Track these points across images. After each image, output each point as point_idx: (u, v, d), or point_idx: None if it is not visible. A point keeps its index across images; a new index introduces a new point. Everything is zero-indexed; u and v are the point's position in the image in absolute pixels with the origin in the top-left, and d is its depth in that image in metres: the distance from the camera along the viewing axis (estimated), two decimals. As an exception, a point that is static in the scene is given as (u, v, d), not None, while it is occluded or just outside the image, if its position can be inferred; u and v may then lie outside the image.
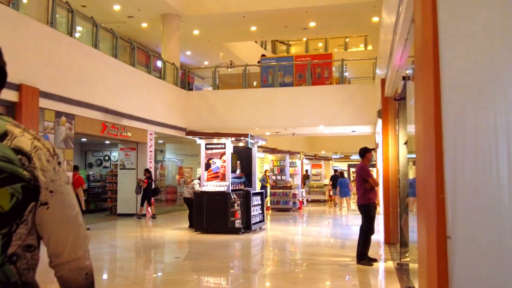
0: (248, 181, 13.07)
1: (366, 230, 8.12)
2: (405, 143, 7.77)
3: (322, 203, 24.69)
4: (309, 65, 19.73)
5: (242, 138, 12.33)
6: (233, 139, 12.41)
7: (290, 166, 19.88)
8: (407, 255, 8.28)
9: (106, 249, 9.99)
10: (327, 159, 29.87)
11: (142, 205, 16.71)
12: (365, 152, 8.41)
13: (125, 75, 16.28)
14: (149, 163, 17.64)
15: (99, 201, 19.64)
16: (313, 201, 24.73)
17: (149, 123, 17.49)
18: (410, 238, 8.29)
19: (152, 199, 16.87)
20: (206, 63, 27.89)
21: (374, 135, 23.52)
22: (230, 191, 11.83)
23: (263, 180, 19.35)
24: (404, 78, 6.08)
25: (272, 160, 19.46)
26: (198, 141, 12.37)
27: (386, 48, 9.47)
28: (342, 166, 51.68)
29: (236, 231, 11.70)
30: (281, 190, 18.95)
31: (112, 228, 14.03)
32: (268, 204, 19.14)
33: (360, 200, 8.24)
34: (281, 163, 19.36)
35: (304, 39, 31.61)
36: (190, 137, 12.20)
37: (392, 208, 9.86)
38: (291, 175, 19.85)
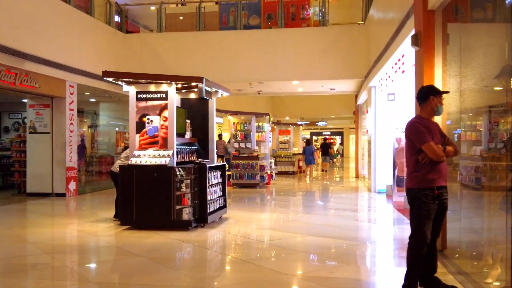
0: (203, 150, 8.95)
1: (412, 236, 4.31)
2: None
3: (291, 175, 20.95)
4: (281, 2, 15.52)
5: (194, 84, 8.09)
6: (180, 85, 8.16)
7: (257, 131, 15.82)
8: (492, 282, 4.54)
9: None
10: (296, 125, 26.06)
11: None
12: (428, 94, 4.46)
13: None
14: (69, 125, 13.13)
15: (8, 175, 14.95)
16: (281, 173, 20.93)
17: (68, 71, 12.92)
18: None
19: None
20: (152, 8, 22.98)
21: (355, 95, 19.78)
22: (174, 165, 7.69)
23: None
24: None
25: (234, 123, 15.34)
26: (125, 87, 8.05)
27: None
28: (305, 134, 48.29)
29: (184, 225, 7.62)
30: (245, 161, 14.90)
31: (4, 217, 9.62)
32: (230, 179, 15.12)
33: (408, 181, 4.39)
34: (246, 127, 15.26)
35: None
36: (110, 79, 7.89)
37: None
38: (258, 142, 15.83)
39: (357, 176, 19.68)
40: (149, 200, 7.62)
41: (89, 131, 17.76)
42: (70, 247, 7.05)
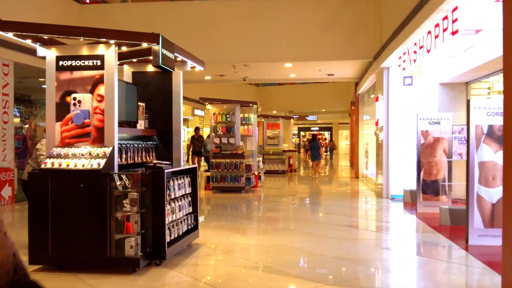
0: (165, 147, 6.19)
1: None
2: None
3: (280, 175, 18.30)
4: (271, -33, 12.82)
5: (146, 44, 5.29)
6: (125, 47, 5.37)
7: (242, 124, 13.08)
8: None
9: None
10: (286, 118, 23.24)
11: None
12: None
13: None
14: (3, 114, 10.28)
15: None
16: (269, 172, 18.24)
17: (1, 45, 10.04)
18: None
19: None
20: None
21: (355, 83, 17.17)
22: (115, 170, 4.94)
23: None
24: None
25: (214, 114, 12.60)
26: (41, 50, 5.27)
27: None
28: (293, 130, 45.48)
29: (127, 265, 4.86)
30: (228, 160, 12.17)
31: None
32: (209, 181, 12.39)
33: None
34: (228, 119, 12.54)
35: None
36: (10, 35, 5.12)
37: None
38: (243, 137, 13.10)
39: (356, 177, 17.10)
40: (73, 226, 4.85)
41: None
42: None
